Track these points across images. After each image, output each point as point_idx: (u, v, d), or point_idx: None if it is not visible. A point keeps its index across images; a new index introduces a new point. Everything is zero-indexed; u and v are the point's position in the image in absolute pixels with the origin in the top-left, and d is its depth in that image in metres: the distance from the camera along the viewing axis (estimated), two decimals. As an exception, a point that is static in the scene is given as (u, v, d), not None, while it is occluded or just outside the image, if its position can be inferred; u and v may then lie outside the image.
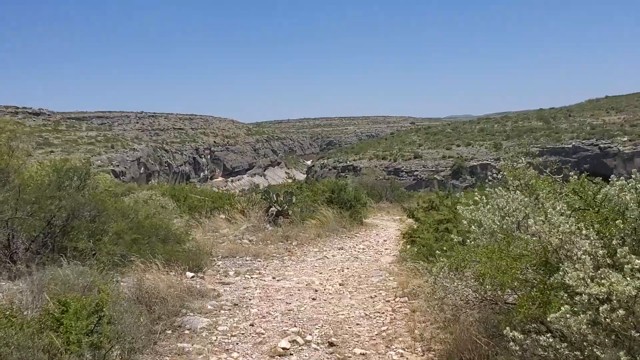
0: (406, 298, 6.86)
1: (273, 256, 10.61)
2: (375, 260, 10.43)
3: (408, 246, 9.65)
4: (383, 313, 6.40)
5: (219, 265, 9.56)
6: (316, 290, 7.69)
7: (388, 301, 6.90)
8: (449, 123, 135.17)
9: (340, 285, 8.12)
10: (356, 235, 14.21)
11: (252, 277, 8.68)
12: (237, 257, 10.40)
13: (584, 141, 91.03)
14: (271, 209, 15.02)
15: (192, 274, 8.59)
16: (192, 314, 6.33)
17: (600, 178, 5.50)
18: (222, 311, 6.57)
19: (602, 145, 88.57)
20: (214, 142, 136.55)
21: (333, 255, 11.00)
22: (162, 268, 8.28)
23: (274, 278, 8.68)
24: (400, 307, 6.56)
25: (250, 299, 7.25)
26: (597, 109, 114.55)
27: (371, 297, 7.22)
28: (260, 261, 10.14)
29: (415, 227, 9.82)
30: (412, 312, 6.28)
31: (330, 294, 7.57)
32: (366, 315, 6.38)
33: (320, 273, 9.11)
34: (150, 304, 6.07)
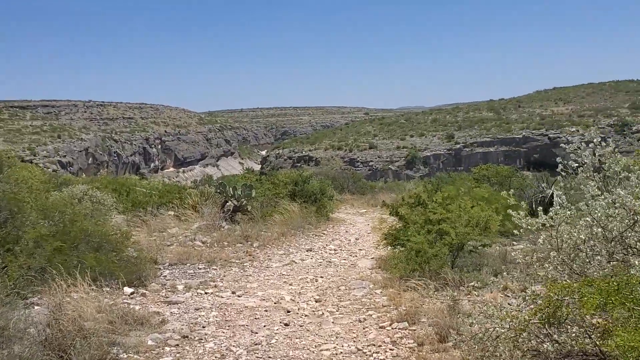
0: (406, 323, 5.42)
1: (231, 262, 8.99)
2: (352, 265, 8.98)
3: (392, 249, 8.24)
4: (380, 346, 4.93)
5: (165, 277, 7.87)
6: (288, 311, 6.15)
7: (382, 327, 5.44)
8: (402, 114, 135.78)
9: (316, 302, 6.61)
10: (324, 233, 12.75)
11: (206, 293, 7.05)
12: (188, 264, 8.73)
13: (533, 131, 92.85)
14: (227, 204, 13.33)
15: (131, 290, 6.90)
16: (124, 355, 4.68)
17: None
18: (167, 348, 4.95)
19: (551, 135, 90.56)
20: (165, 131, 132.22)
21: (302, 259, 9.48)
22: (92, 284, 6.57)
23: (233, 293, 7.08)
24: (401, 338, 5.11)
25: (204, 326, 5.64)
26: (545, 99, 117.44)
27: (359, 321, 5.74)
28: (215, 269, 8.51)
29: (399, 226, 8.42)
30: (419, 345, 4.85)
31: (306, 315, 6.05)
32: (358, 350, 4.89)
33: (290, 284, 7.57)
34: (63, 346, 4.38)
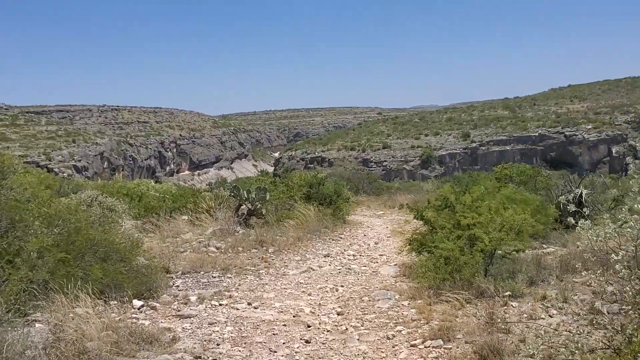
0: (440, 340, 4.91)
1: (246, 269, 8.54)
2: (373, 272, 8.48)
3: (418, 255, 7.73)
4: (414, 368, 4.44)
5: (177, 287, 7.44)
6: (309, 326, 5.68)
7: (414, 345, 4.94)
8: (416, 113, 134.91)
9: (338, 314, 6.12)
10: (341, 237, 12.26)
11: (220, 304, 6.60)
12: (202, 272, 8.29)
13: (549, 129, 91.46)
14: (242, 207, 12.91)
15: (140, 303, 6.48)
16: (131, 381, 4.24)
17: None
18: (178, 371, 4.50)
19: (567, 133, 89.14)
20: (180, 135, 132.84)
21: (320, 266, 9.00)
22: (98, 298, 6.17)
23: (249, 304, 6.62)
24: (436, 358, 4.61)
25: (218, 344, 5.19)
26: (560, 97, 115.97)
27: (388, 338, 5.24)
28: (230, 277, 8.06)
29: (424, 230, 7.91)
30: (458, 367, 4.34)
31: (328, 331, 5.56)
32: (390, 372, 4.41)
33: (309, 294, 7.10)
34: (62, 372, 3.95)
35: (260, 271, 8.50)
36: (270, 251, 10.00)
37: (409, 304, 6.26)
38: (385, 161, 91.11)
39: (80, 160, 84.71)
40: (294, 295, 7.08)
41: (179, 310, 6.31)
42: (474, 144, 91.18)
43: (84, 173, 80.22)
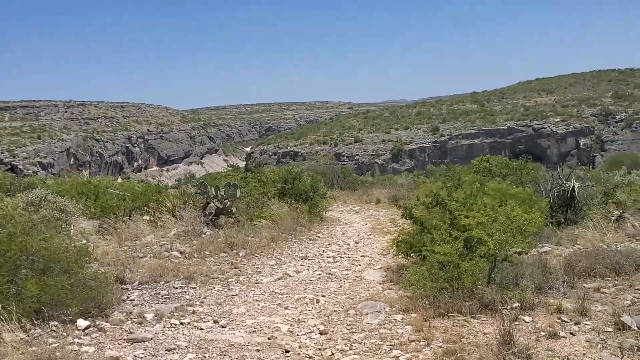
0: (449, 369, 4.06)
1: (213, 278, 7.56)
2: (357, 277, 7.59)
3: (406, 258, 6.88)
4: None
5: (132, 301, 6.41)
6: (287, 351, 4.74)
7: (418, 377, 4.08)
8: (387, 107, 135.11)
9: (321, 334, 5.21)
10: (318, 236, 11.37)
11: (182, 323, 5.62)
12: (162, 281, 7.28)
13: (518, 122, 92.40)
14: (209, 206, 11.89)
15: (86, 324, 5.45)
16: None
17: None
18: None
19: (535, 126, 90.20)
20: (148, 130, 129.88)
21: (297, 271, 8.08)
22: (35, 319, 5.15)
23: (216, 322, 5.66)
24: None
25: (177, 379, 4.22)
26: (528, 90, 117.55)
27: (384, 366, 4.37)
28: (194, 288, 7.07)
29: (413, 230, 7.06)
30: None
31: (310, 357, 4.65)
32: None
33: (286, 307, 6.16)
34: None
35: (230, 279, 7.53)
36: (241, 255, 9.03)
37: (402, 318, 5.39)
38: (357, 155, 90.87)
39: (45, 157, 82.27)
40: (268, 309, 6.14)
41: (131, 332, 5.30)
42: (443, 138, 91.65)
43: (49, 170, 77.83)
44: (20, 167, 73.14)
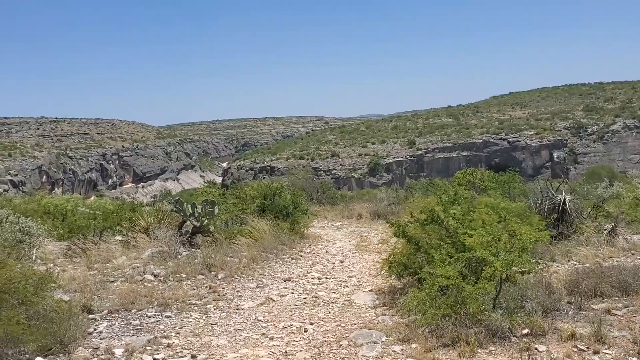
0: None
1: (190, 304, 6.94)
2: (346, 301, 7.05)
3: (398, 279, 6.38)
4: None
5: (100, 334, 5.76)
6: (276, 394, 4.19)
7: None
8: (363, 122, 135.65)
9: (313, 370, 4.67)
10: (301, 255, 10.81)
11: (155, 359, 5.00)
12: (134, 309, 6.63)
13: (493, 136, 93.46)
14: (186, 224, 11.25)
15: (44, 363, 4.80)
16: None
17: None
18: None
19: (510, 139, 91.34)
20: (123, 146, 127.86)
21: (280, 295, 7.51)
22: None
23: (194, 358, 5.06)
24: None
25: None
26: (502, 104, 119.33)
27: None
28: (170, 316, 6.44)
29: (406, 250, 6.57)
30: None
31: (303, 399, 4.10)
32: None
33: (271, 338, 5.58)
34: None
35: (208, 305, 6.92)
36: (220, 277, 8.42)
37: (402, 349, 4.87)
38: (334, 169, 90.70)
39: (17, 175, 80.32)
40: (251, 340, 5.55)
41: (97, 373, 4.68)
42: (419, 152, 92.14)
43: (21, 188, 75.89)
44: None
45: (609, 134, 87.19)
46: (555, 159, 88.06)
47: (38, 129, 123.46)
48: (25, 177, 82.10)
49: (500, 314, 4.98)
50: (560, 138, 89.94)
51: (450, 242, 5.66)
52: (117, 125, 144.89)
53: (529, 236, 5.50)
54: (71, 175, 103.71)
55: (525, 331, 4.81)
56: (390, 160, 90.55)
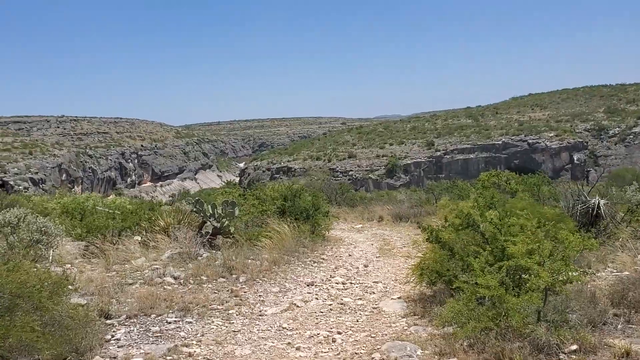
0: None
1: (212, 309, 6.67)
2: (374, 308, 6.71)
3: (430, 286, 6.03)
4: None
5: (118, 341, 5.50)
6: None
7: None
8: (380, 122, 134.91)
9: (345, 386, 4.35)
10: (323, 258, 10.50)
11: (176, 370, 4.73)
12: (154, 314, 6.37)
13: (513, 137, 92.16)
14: (206, 225, 11.01)
15: (60, 372, 4.55)
16: None
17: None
18: None
19: (530, 141, 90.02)
20: (142, 145, 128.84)
21: (304, 300, 7.20)
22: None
23: (217, 368, 4.78)
24: None
25: None
26: (522, 106, 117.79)
27: None
28: (190, 322, 6.17)
29: (439, 256, 6.21)
30: None
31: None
32: None
33: (297, 348, 5.28)
34: None
35: (230, 311, 6.64)
36: (241, 280, 8.14)
37: (442, 366, 4.53)
38: (351, 170, 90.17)
39: (37, 173, 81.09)
40: (277, 350, 5.25)
41: (115, 384, 4.41)
42: (438, 153, 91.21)
43: (41, 186, 76.68)
44: (12, 183, 72.02)
45: (631, 136, 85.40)
46: (575, 161, 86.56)
47: (58, 127, 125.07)
48: (45, 175, 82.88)
49: (545, 327, 4.60)
50: (580, 140, 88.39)
51: (489, 248, 5.29)
52: (136, 124, 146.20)
53: (577, 244, 5.11)
54: (90, 174, 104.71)
55: (573, 347, 4.43)
56: (409, 162, 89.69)
